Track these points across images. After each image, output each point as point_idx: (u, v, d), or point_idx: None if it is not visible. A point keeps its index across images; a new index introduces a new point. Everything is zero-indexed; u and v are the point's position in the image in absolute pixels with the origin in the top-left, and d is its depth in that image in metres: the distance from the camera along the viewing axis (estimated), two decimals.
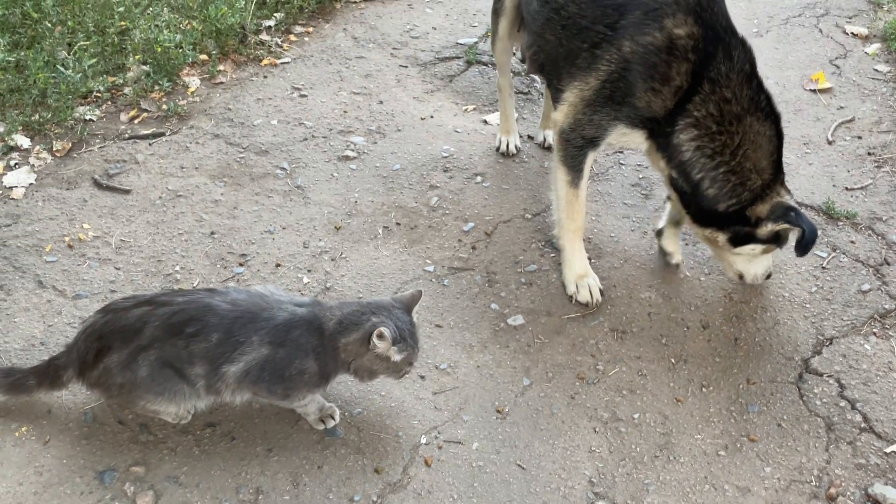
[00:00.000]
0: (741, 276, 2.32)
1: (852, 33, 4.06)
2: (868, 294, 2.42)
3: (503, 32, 2.83)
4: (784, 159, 2.94)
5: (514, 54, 3.69)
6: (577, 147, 2.30)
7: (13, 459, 1.84)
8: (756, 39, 4.03)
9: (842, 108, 3.46)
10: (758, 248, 2.22)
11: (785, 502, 1.87)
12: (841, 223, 2.71)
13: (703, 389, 2.15)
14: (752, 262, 2.28)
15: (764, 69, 3.55)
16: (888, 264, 2.53)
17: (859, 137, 3.24)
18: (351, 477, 1.87)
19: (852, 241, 2.63)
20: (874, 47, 3.91)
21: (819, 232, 2.28)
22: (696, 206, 2.20)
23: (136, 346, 1.80)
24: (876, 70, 3.73)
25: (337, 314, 1.85)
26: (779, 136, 2.17)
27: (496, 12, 2.83)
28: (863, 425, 2.04)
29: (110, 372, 1.82)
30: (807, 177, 2.97)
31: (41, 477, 1.81)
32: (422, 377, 2.14)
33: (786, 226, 2.14)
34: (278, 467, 1.87)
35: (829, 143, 3.20)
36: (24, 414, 1.94)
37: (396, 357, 1.82)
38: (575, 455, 1.97)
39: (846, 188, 2.90)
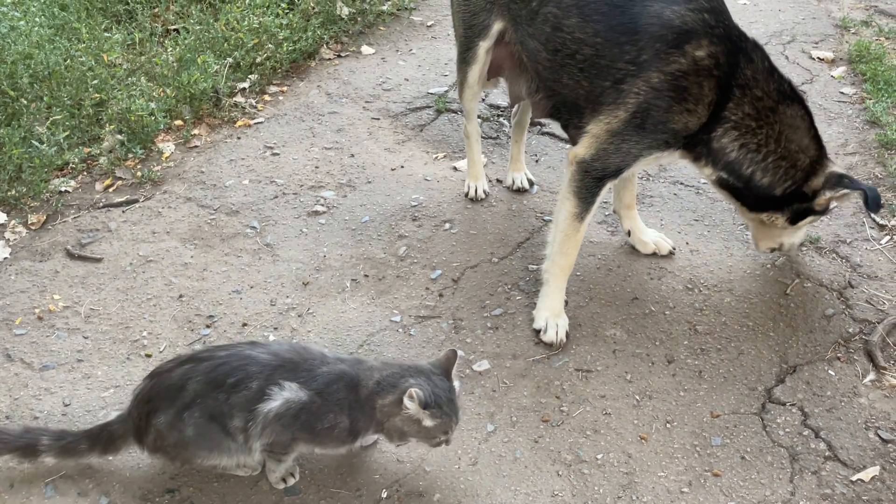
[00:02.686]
0: (780, 247, 2.54)
1: (818, 58, 4.11)
2: (832, 319, 2.41)
3: (473, 80, 2.85)
4: None
5: (483, 100, 3.76)
6: (595, 178, 2.34)
7: None
8: None
9: None
10: (814, 219, 2.44)
11: None
12: (804, 248, 2.70)
13: (668, 425, 2.14)
14: (796, 233, 2.50)
15: None
16: (852, 287, 2.52)
17: None
18: None
19: (816, 266, 2.62)
20: (840, 70, 3.94)
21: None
22: (753, 197, 2.37)
23: (181, 404, 1.85)
24: (842, 93, 3.76)
25: (376, 375, 1.87)
26: (809, 115, 2.34)
27: (465, 62, 2.83)
28: (827, 454, 2.01)
29: (161, 434, 1.87)
30: None
31: None
32: None
33: (845, 191, 2.32)
34: None
35: None
36: None
37: (428, 422, 1.80)
38: (537, 501, 1.95)
39: None
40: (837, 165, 2.40)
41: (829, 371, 2.24)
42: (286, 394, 1.83)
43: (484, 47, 2.69)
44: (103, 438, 1.94)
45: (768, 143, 2.28)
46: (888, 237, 2.74)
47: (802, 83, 3.88)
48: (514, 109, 3.14)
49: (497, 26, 2.61)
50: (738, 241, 2.79)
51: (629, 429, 2.13)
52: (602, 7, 2.28)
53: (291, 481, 1.97)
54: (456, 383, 1.87)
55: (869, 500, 1.91)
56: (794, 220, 2.39)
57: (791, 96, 2.31)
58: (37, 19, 3.77)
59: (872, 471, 1.96)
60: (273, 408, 1.82)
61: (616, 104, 2.27)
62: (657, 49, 2.19)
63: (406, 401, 1.75)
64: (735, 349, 2.35)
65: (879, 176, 3.10)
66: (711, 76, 2.19)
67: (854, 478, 1.95)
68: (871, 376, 2.22)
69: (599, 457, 2.06)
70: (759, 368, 2.27)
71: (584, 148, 2.35)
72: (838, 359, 2.27)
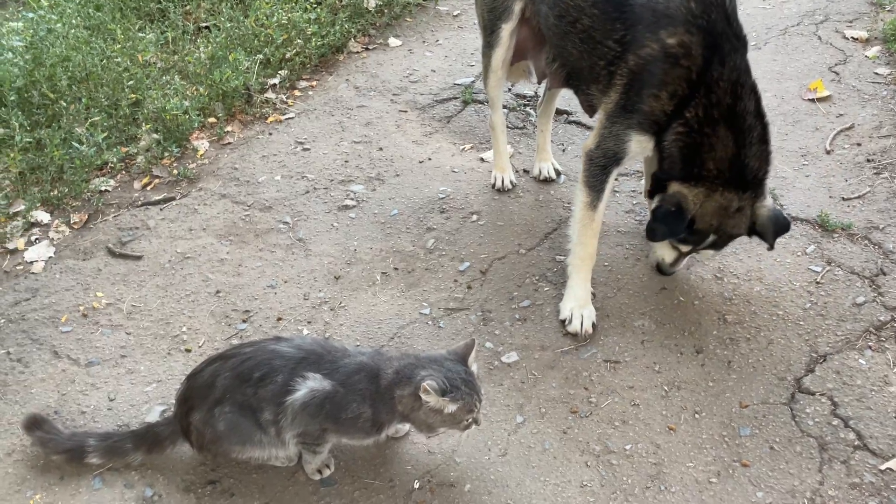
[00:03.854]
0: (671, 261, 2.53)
1: (852, 38, 4.03)
2: (863, 307, 2.40)
3: (496, 64, 2.87)
4: (780, 173, 2.96)
5: (509, 90, 3.77)
6: (600, 166, 2.39)
7: None
8: (754, 53, 4.02)
9: (841, 115, 3.43)
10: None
11: None
12: (836, 235, 2.69)
13: (696, 416, 2.16)
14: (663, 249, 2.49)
15: (762, 83, 3.56)
16: (884, 274, 2.50)
17: (858, 144, 3.21)
18: None
19: (848, 253, 2.60)
20: (874, 50, 3.87)
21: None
22: (660, 173, 2.35)
23: (212, 400, 1.93)
24: (876, 73, 3.69)
25: (395, 365, 1.92)
26: (740, 141, 2.20)
27: (489, 45, 2.86)
28: (856, 443, 2.01)
29: (199, 430, 1.96)
30: (802, 189, 2.96)
31: None
32: None
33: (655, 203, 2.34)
34: None
35: (828, 152, 3.18)
36: (40, 482, 2.05)
37: (451, 408, 1.83)
38: (566, 491, 1.99)
39: (843, 198, 2.88)
40: (739, 200, 2.26)
41: (860, 360, 2.23)
42: (311, 384, 1.89)
43: (507, 29, 2.72)
44: (149, 439, 2.03)
45: (692, 147, 2.21)
46: None
47: (836, 64, 3.83)
48: (539, 99, 3.15)
49: (518, 6, 2.66)
50: None
51: (657, 419, 2.16)
52: None
53: (327, 472, 2.03)
54: (473, 367, 1.89)
55: None
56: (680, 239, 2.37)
57: (736, 119, 2.18)
58: (73, 20, 3.87)
59: None
60: (299, 398, 1.88)
61: (609, 87, 2.32)
62: (638, 31, 2.20)
63: (423, 395, 1.79)
64: (765, 339, 2.35)
65: None
66: (678, 66, 2.16)
67: (883, 467, 1.95)
68: None
69: (628, 447, 2.09)
70: (789, 358, 2.27)
71: (590, 138, 2.42)
72: (869, 347, 2.27)
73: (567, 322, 2.42)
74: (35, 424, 2.10)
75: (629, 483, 2.00)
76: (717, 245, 2.35)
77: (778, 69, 3.85)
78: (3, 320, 2.59)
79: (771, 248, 2.31)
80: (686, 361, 2.32)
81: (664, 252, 2.45)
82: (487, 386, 2.30)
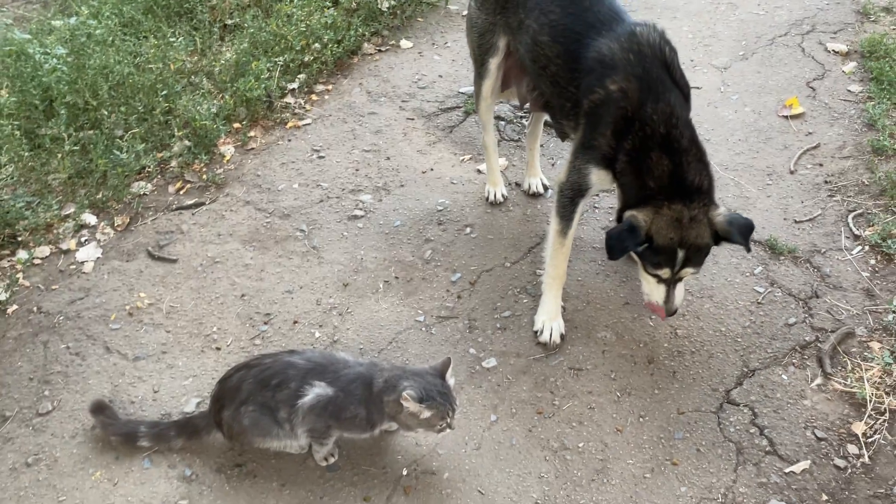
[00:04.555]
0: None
1: (833, 51, 4.29)
2: (793, 327, 2.77)
3: (486, 93, 3.25)
4: (745, 192, 3.31)
5: (508, 101, 4.11)
6: (569, 198, 2.75)
7: (90, 499, 2.43)
8: (740, 63, 4.32)
9: (810, 133, 3.74)
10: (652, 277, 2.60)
11: None
12: (783, 258, 3.05)
13: (641, 419, 2.57)
14: (649, 284, 2.64)
15: (744, 96, 3.89)
16: (817, 297, 2.87)
17: (820, 165, 3.53)
18: None
19: (790, 276, 2.97)
20: (851, 65, 4.13)
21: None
22: (621, 205, 2.62)
23: (238, 401, 2.38)
24: (849, 91, 3.97)
25: (385, 375, 2.34)
26: (680, 169, 2.44)
27: (480, 76, 3.25)
28: (768, 449, 2.42)
29: (228, 425, 2.42)
30: (762, 210, 3.30)
31: None
32: None
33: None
34: (289, 499, 2.40)
35: (791, 172, 3.50)
36: (100, 461, 2.53)
37: (426, 413, 2.25)
38: (526, 481, 2.43)
39: (795, 221, 3.22)
40: (669, 212, 2.46)
41: (783, 375, 2.62)
42: (317, 390, 2.33)
43: (494, 63, 3.09)
44: (188, 428, 2.50)
45: (635, 172, 2.49)
46: (860, 247, 3.05)
47: (814, 79, 4.10)
48: (527, 122, 3.50)
49: (502, 42, 3.02)
50: (723, 248, 3.13)
51: (608, 421, 2.58)
52: (565, 31, 2.66)
53: (332, 460, 2.49)
54: (451, 381, 2.31)
55: (797, 488, 2.33)
56: (644, 263, 2.56)
57: (670, 143, 2.44)
58: (110, 23, 4.23)
59: (804, 464, 2.37)
60: (307, 401, 2.33)
61: (577, 125, 2.68)
62: (590, 79, 2.56)
63: (403, 402, 2.22)
64: (707, 352, 2.75)
65: (866, 182, 3.37)
66: (618, 107, 2.50)
67: (787, 470, 2.36)
68: (819, 381, 2.60)
69: (581, 445, 2.51)
70: (724, 371, 2.67)
71: (562, 172, 2.78)
72: (793, 364, 2.65)
73: (539, 333, 2.83)
74: (100, 409, 2.58)
75: (578, 476, 2.43)
76: (691, 260, 2.48)
77: (760, 82, 4.14)
78: (62, 317, 3.05)
79: (747, 249, 2.49)
80: (638, 370, 2.73)
81: (652, 291, 2.58)
82: (468, 388, 2.73)
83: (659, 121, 2.46)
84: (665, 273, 2.51)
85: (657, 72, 2.51)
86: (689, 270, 2.51)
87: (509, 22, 2.93)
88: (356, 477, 2.46)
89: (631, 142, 2.50)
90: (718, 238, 2.46)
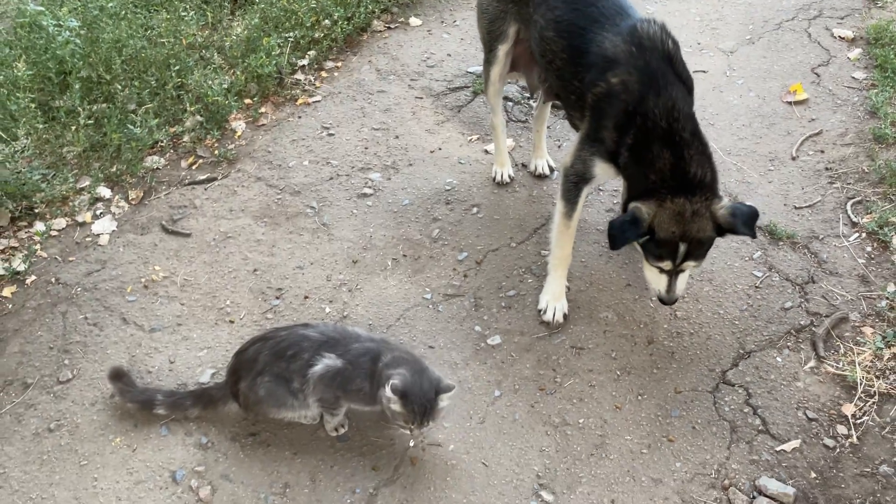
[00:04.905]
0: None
1: (839, 37, 4.33)
2: (789, 311, 2.87)
3: (495, 78, 3.32)
4: (747, 178, 3.38)
5: (516, 81, 4.16)
6: (573, 183, 2.81)
7: (111, 463, 2.54)
8: (747, 48, 4.36)
9: (813, 120, 3.79)
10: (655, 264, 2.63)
11: (688, 491, 2.40)
12: (781, 243, 3.13)
13: (639, 397, 2.67)
14: (651, 274, 2.68)
15: (749, 81, 3.94)
16: (813, 282, 2.95)
17: (822, 151, 3.59)
18: (355, 474, 2.49)
19: (788, 260, 3.05)
20: (856, 52, 4.17)
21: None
22: (626, 198, 2.67)
23: (255, 372, 2.48)
24: (853, 78, 4.02)
25: (394, 354, 2.42)
26: (684, 159, 2.48)
27: (489, 62, 3.31)
28: (760, 428, 2.53)
29: (245, 395, 2.52)
30: (763, 196, 3.38)
31: (131, 476, 2.51)
32: None
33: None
34: (301, 467, 2.51)
35: (793, 158, 3.57)
36: (119, 428, 2.64)
37: (395, 407, 2.31)
38: (528, 454, 2.54)
39: (795, 207, 3.29)
40: (672, 204, 2.49)
41: (777, 358, 2.72)
42: (327, 361, 2.43)
43: (503, 50, 3.16)
44: (204, 398, 2.60)
45: (638, 163, 2.53)
46: (857, 234, 3.13)
47: (819, 65, 4.15)
48: (535, 104, 3.56)
49: (512, 30, 3.08)
50: None
51: (608, 399, 2.68)
52: (570, 27, 2.71)
53: (342, 431, 2.59)
54: (443, 402, 2.35)
55: (787, 466, 2.43)
56: (646, 254, 2.60)
57: (671, 136, 2.47)
58: None
59: (794, 443, 2.47)
60: (317, 371, 2.43)
61: (583, 117, 2.73)
62: (593, 73, 2.61)
63: (386, 387, 2.29)
64: (705, 334, 2.84)
65: (866, 170, 3.44)
66: (619, 100, 2.55)
67: (778, 448, 2.47)
68: (812, 364, 2.69)
69: (581, 421, 2.62)
70: (721, 353, 2.77)
71: (567, 157, 2.83)
72: (787, 347, 2.75)
73: (543, 312, 2.92)
74: (118, 376, 2.68)
75: (578, 450, 2.54)
76: (693, 253, 2.52)
77: (766, 67, 4.19)
78: (79, 288, 3.15)
79: (753, 236, 2.54)
80: (638, 350, 2.82)
81: (654, 281, 2.62)
82: (473, 364, 2.83)
83: (660, 114, 2.50)
84: (667, 265, 2.55)
85: (659, 65, 2.55)
86: (690, 263, 2.55)
87: (521, 12, 2.98)
88: (365, 447, 2.56)
89: (633, 135, 2.54)
90: (722, 230, 2.50)
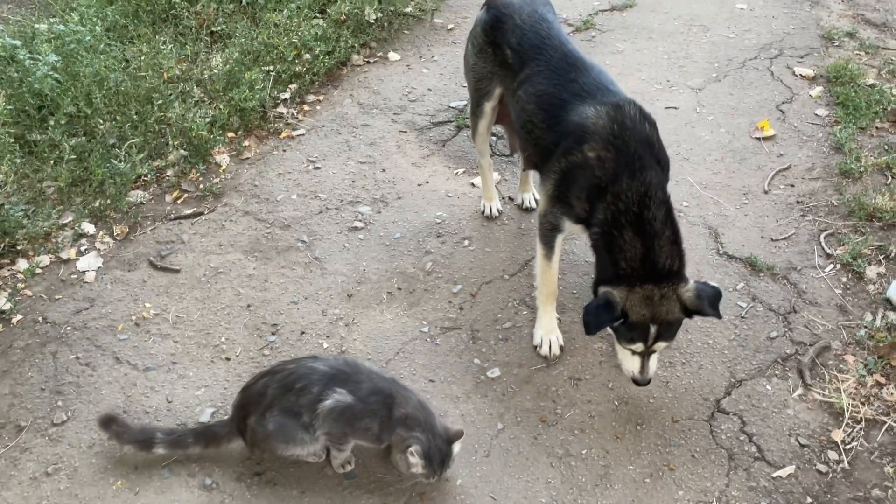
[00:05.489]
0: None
1: (800, 75, 4.55)
2: (775, 340, 2.99)
3: (482, 130, 3.42)
4: (724, 211, 3.52)
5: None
6: (548, 229, 2.89)
7: None
8: (714, 85, 4.56)
9: (781, 155, 3.98)
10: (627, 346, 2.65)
11: None
12: (762, 274, 3.27)
13: (638, 427, 2.75)
14: (624, 355, 2.70)
15: (718, 117, 4.12)
16: (795, 312, 3.09)
17: (792, 185, 3.77)
18: None
19: (769, 291, 3.19)
20: (818, 90, 4.40)
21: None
22: (595, 277, 2.74)
23: (264, 406, 2.47)
24: (816, 115, 4.23)
25: (408, 409, 2.43)
26: (652, 247, 2.52)
27: (475, 115, 3.39)
28: (756, 455, 2.63)
29: (253, 430, 2.50)
30: (741, 228, 3.52)
31: None
32: None
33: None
34: None
35: (766, 192, 3.73)
36: (119, 471, 2.59)
37: (419, 470, 2.38)
38: (535, 486, 2.58)
39: (772, 239, 3.45)
40: (643, 291, 2.52)
41: (767, 386, 2.84)
42: (337, 396, 2.45)
43: (489, 106, 3.27)
44: (206, 436, 2.58)
45: (608, 247, 2.58)
46: (832, 265, 3.29)
47: (783, 102, 4.36)
48: (517, 159, 3.67)
49: (498, 91, 3.19)
50: (707, 264, 3.35)
51: (608, 429, 2.75)
52: (551, 99, 2.80)
53: (349, 468, 2.60)
54: (456, 448, 2.42)
55: (784, 492, 2.53)
56: (619, 337, 2.63)
57: (643, 225, 2.52)
58: (97, 28, 4.23)
59: (789, 469, 2.58)
60: (327, 405, 2.44)
61: (550, 174, 2.79)
62: (570, 142, 2.68)
63: (407, 454, 2.36)
64: (696, 364, 2.95)
65: (835, 203, 3.62)
66: (593, 175, 2.60)
67: (775, 474, 2.57)
68: (800, 391, 2.82)
69: (584, 452, 2.68)
70: (713, 382, 2.87)
71: (541, 205, 2.91)
72: (776, 375, 2.87)
73: (538, 347, 2.99)
74: (109, 421, 2.63)
75: (583, 481, 2.59)
76: (664, 335, 2.56)
77: (733, 104, 4.38)
78: (69, 328, 3.09)
79: (718, 317, 2.59)
80: None
81: (628, 362, 2.66)
82: (475, 397, 2.87)
83: (633, 198, 2.52)
84: (639, 347, 2.59)
85: (637, 148, 2.58)
86: (661, 344, 2.59)
87: (505, 82, 3.08)
88: (373, 484, 2.58)
89: (604, 213, 2.57)
90: (690, 312, 2.55)
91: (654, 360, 2.66)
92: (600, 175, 2.60)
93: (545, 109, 2.83)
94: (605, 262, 2.63)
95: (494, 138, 4.14)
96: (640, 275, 2.53)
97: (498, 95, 3.20)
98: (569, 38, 3.03)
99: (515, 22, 3.05)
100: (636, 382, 2.68)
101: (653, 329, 2.53)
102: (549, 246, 2.92)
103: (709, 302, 2.55)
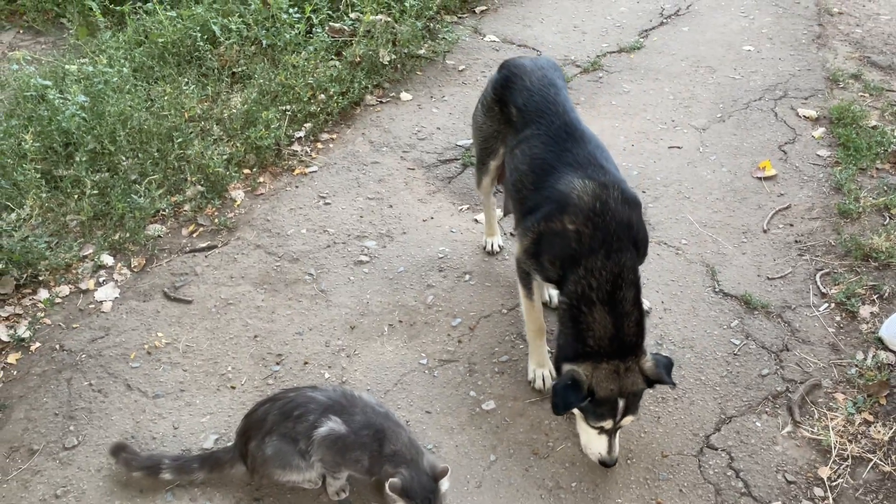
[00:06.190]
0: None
1: (804, 116, 4.63)
2: (766, 377, 3.04)
3: (486, 184, 3.53)
4: (722, 249, 3.59)
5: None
6: (524, 274, 2.99)
7: None
8: (718, 125, 4.65)
9: (781, 195, 4.04)
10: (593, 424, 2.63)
11: None
12: (756, 312, 3.32)
13: (628, 461, 2.81)
14: (589, 435, 2.69)
15: (721, 157, 4.20)
16: (788, 350, 3.14)
17: (791, 225, 3.83)
18: None
19: (763, 329, 3.24)
20: (820, 131, 4.47)
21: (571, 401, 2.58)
22: (556, 347, 2.77)
23: (263, 431, 2.58)
24: (818, 155, 4.30)
25: (397, 447, 2.50)
26: (620, 325, 2.57)
27: (480, 171, 3.51)
28: (743, 490, 2.67)
29: (253, 456, 2.60)
30: (738, 267, 3.59)
31: None
32: None
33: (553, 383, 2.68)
34: None
35: (765, 231, 3.79)
36: (125, 494, 2.70)
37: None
38: None
39: (768, 277, 3.50)
40: (617, 376, 2.55)
41: (757, 423, 2.88)
42: (331, 424, 2.55)
43: (493, 164, 3.39)
44: (210, 462, 2.69)
45: (574, 321, 2.60)
46: (826, 304, 3.34)
47: (786, 143, 4.43)
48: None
49: (501, 150, 3.29)
50: (703, 301, 3.41)
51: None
52: (543, 164, 2.89)
53: (343, 496, 2.69)
54: (444, 486, 2.47)
55: None
56: (586, 417, 2.61)
57: (614, 305, 2.56)
58: (123, 69, 4.45)
59: None
60: (321, 432, 2.54)
61: (529, 232, 2.85)
62: (551, 208, 2.75)
63: (387, 488, 2.41)
64: (688, 399, 3.00)
65: (833, 243, 3.67)
66: (569, 246, 2.64)
67: None
68: (789, 428, 2.86)
69: (574, 485, 2.74)
70: (703, 418, 2.92)
71: (517, 250, 2.98)
72: (766, 412, 2.91)
73: (531, 381, 3.07)
74: (118, 450, 2.75)
75: None
76: (630, 408, 2.57)
77: (736, 144, 4.46)
78: (84, 355, 3.23)
79: (672, 385, 2.67)
80: None
81: (593, 444, 2.65)
82: (469, 429, 2.94)
83: (606, 277, 2.56)
84: (608, 424, 2.57)
85: (616, 229, 2.62)
86: (628, 418, 2.60)
87: (507, 139, 3.18)
88: None
89: (574, 286, 2.61)
90: (650, 382, 2.59)
91: (617, 439, 2.65)
92: (577, 248, 2.65)
93: (536, 172, 2.91)
94: (569, 337, 2.64)
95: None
96: (606, 352, 2.55)
97: (501, 155, 3.30)
98: (573, 107, 3.07)
99: (525, 83, 3.15)
100: (605, 464, 2.66)
101: (621, 403, 2.54)
102: (527, 288, 3.02)
103: (666, 370, 2.60)
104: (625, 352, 2.57)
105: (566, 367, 2.63)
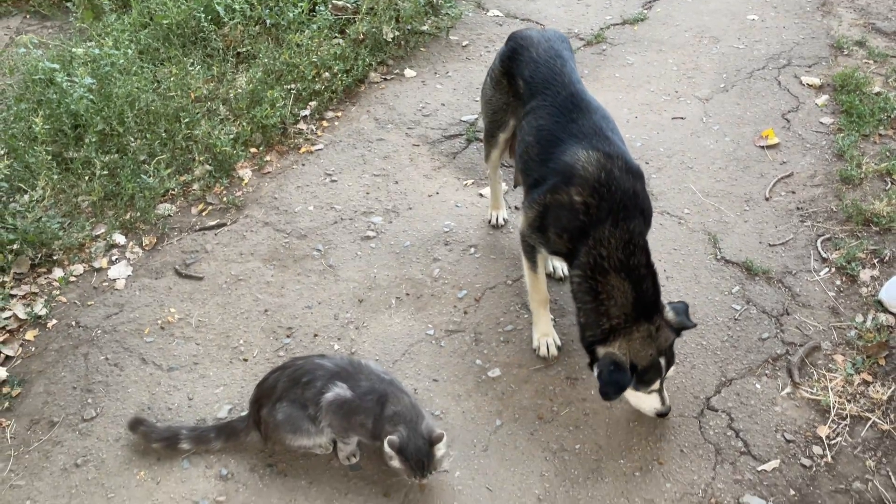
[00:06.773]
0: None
1: (807, 84, 4.63)
2: (766, 341, 3.09)
3: (494, 158, 3.57)
4: (724, 217, 3.63)
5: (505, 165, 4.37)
6: (528, 247, 3.05)
7: (136, 496, 2.70)
8: (721, 95, 4.66)
9: (784, 163, 4.07)
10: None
11: None
12: (758, 278, 3.36)
13: (630, 424, 2.87)
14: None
15: (725, 127, 4.21)
16: (788, 314, 3.18)
17: (793, 192, 3.86)
18: (368, 501, 2.66)
19: (764, 294, 3.29)
20: (823, 98, 4.48)
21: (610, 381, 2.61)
22: (579, 326, 2.77)
23: (274, 398, 2.68)
24: (821, 123, 4.31)
25: (398, 408, 2.58)
26: (639, 290, 2.61)
27: (489, 144, 3.54)
28: (743, 449, 2.73)
29: (265, 422, 2.70)
30: (740, 234, 3.62)
31: None
32: None
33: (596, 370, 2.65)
34: (316, 495, 2.68)
35: (767, 199, 3.82)
36: (143, 463, 2.80)
37: (395, 463, 2.53)
38: (529, 479, 2.72)
39: (770, 244, 3.54)
40: (644, 340, 2.59)
41: (756, 385, 2.93)
42: (337, 390, 2.63)
43: (503, 137, 3.42)
44: (226, 431, 2.78)
45: (592, 293, 2.65)
46: (827, 269, 3.38)
47: (789, 111, 4.44)
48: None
49: (511, 122, 3.31)
50: (705, 269, 3.46)
51: (601, 426, 2.87)
52: (549, 135, 2.91)
53: (354, 460, 2.77)
54: (440, 451, 2.53)
55: (768, 485, 2.63)
56: (635, 387, 2.65)
57: (629, 270, 2.60)
58: (129, 51, 4.50)
59: (774, 463, 2.67)
60: (328, 397, 2.62)
61: (534, 205, 2.88)
62: (557, 180, 2.77)
63: (385, 445, 2.50)
64: (689, 364, 3.06)
65: (834, 209, 3.70)
66: (577, 218, 2.68)
67: (760, 468, 2.67)
68: (788, 389, 2.91)
69: (577, 447, 2.81)
70: (704, 381, 2.98)
71: (521, 224, 3.02)
72: (765, 375, 2.97)
73: (536, 349, 3.13)
74: (137, 424, 2.84)
75: (575, 474, 2.72)
76: (670, 361, 2.65)
77: (739, 113, 4.48)
78: (99, 331, 3.32)
79: (694, 325, 2.73)
80: None
81: (647, 403, 2.72)
82: (476, 395, 3.02)
83: (616, 245, 2.59)
84: (657, 385, 2.65)
85: (623, 198, 2.65)
86: (672, 370, 2.69)
87: (517, 111, 3.20)
88: (377, 476, 2.74)
89: (586, 257, 2.63)
90: (678, 331, 2.66)
91: (665, 389, 2.72)
92: (584, 220, 2.68)
93: (541, 143, 2.93)
94: (590, 313, 2.66)
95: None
96: (633, 318, 2.60)
97: (512, 127, 3.32)
98: (579, 79, 3.07)
99: (531, 55, 3.16)
100: (662, 415, 2.73)
101: (662, 361, 2.61)
102: (532, 260, 3.07)
103: (686, 315, 2.69)
104: (649, 312, 2.62)
105: (601, 352, 2.64)
